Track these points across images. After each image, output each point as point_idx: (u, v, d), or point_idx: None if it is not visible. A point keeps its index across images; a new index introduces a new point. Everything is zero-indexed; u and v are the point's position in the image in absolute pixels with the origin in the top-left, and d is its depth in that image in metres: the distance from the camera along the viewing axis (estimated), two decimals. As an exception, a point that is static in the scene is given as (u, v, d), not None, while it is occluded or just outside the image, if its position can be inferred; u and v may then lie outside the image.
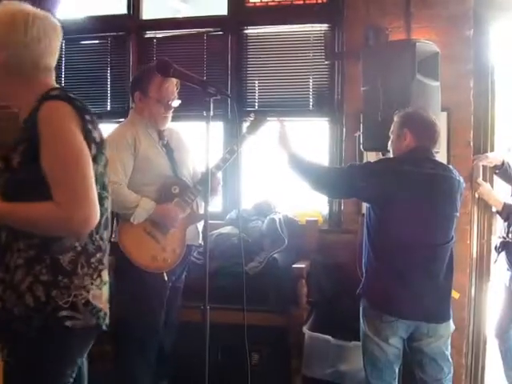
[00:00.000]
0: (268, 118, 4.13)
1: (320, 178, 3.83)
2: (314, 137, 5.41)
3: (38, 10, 2.35)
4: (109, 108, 5.85)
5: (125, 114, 5.25)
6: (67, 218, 2.12)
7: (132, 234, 3.86)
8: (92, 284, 2.30)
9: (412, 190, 3.50)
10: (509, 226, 4.72)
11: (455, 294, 4.24)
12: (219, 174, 4.07)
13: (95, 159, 2.30)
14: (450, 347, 3.74)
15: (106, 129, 4.80)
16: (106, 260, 2.41)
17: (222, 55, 5.54)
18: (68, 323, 2.22)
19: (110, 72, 5.83)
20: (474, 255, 4.91)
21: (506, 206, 4.69)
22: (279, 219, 4.93)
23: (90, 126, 2.32)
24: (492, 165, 4.82)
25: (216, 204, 5.02)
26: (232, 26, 5.53)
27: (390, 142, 3.76)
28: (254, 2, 5.51)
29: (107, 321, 2.42)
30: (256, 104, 5.53)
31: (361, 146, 4.56)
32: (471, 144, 4.82)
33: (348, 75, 5.05)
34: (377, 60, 4.30)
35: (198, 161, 4.18)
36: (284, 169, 3.97)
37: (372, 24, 4.91)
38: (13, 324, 2.22)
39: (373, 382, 3.61)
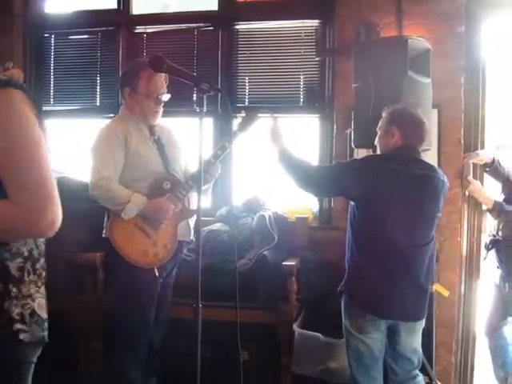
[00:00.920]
0: (260, 115, 4.11)
1: (307, 176, 3.80)
2: (304, 133, 5.39)
3: None
4: (98, 103, 5.82)
5: (114, 110, 5.25)
6: (34, 222, 1.93)
7: (123, 229, 3.85)
8: (37, 292, 2.11)
9: (397, 189, 3.50)
10: (499, 224, 4.73)
11: (445, 292, 4.25)
12: (218, 164, 4.03)
13: None
14: (420, 340, 3.75)
15: (96, 124, 4.82)
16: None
17: (213, 51, 5.52)
18: (22, 336, 2.03)
19: (100, 67, 5.79)
20: (464, 253, 4.91)
21: (496, 203, 4.70)
22: (269, 216, 4.92)
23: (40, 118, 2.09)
24: (482, 162, 4.82)
25: (206, 200, 4.99)
26: (222, 22, 5.50)
27: (377, 138, 3.75)
28: (245, -2, 5.49)
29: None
30: (246, 100, 5.52)
31: (352, 143, 4.54)
32: (462, 141, 4.81)
33: (339, 71, 5.03)
34: (368, 56, 4.29)
35: (189, 157, 4.16)
36: (274, 164, 3.95)
37: (363, 20, 4.89)
38: None
39: (359, 379, 3.60)
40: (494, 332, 4.82)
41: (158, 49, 5.50)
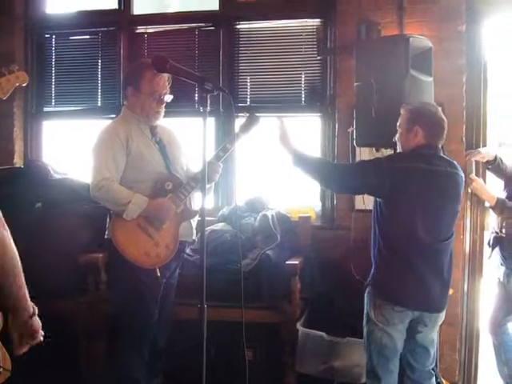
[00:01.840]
0: (262, 116, 4.12)
1: (329, 175, 3.87)
2: (306, 133, 5.38)
3: None
4: (100, 104, 5.80)
5: (116, 110, 5.25)
6: None
7: (125, 229, 3.85)
8: None
9: (422, 188, 3.57)
10: (502, 221, 4.72)
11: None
12: (220, 163, 4.04)
13: None
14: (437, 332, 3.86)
15: (98, 125, 4.82)
16: None
17: (214, 50, 5.51)
18: None
19: (101, 67, 5.79)
20: (467, 250, 4.92)
21: (499, 200, 4.69)
22: (272, 216, 4.92)
23: None
24: (484, 160, 4.81)
25: (208, 200, 4.99)
26: (224, 21, 5.50)
27: (397, 136, 3.77)
28: (246, -3, 5.49)
29: None
30: (248, 100, 5.51)
31: (354, 142, 4.55)
32: (464, 139, 4.81)
33: (340, 70, 5.03)
34: (370, 55, 4.29)
35: (191, 157, 4.16)
36: (284, 166, 3.99)
37: (364, 19, 4.89)
38: None
39: (379, 372, 3.65)
40: (498, 329, 4.81)
41: (159, 49, 5.51)
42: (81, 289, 4.66)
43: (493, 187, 4.91)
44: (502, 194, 4.76)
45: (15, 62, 5.31)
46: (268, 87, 5.48)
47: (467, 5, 4.79)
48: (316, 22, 5.31)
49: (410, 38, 4.12)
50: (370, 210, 4.35)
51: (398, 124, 3.77)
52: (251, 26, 5.49)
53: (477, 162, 4.88)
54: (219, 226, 5.01)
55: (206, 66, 5.55)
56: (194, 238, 4.10)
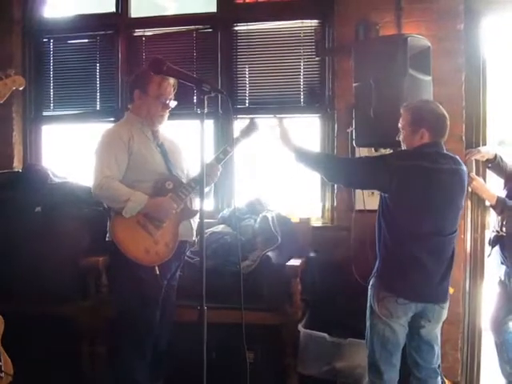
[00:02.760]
0: (262, 118, 4.14)
1: (335, 170, 3.92)
2: (305, 134, 5.37)
3: None
4: (98, 107, 5.80)
5: (115, 113, 5.27)
6: None
7: (125, 227, 3.87)
8: None
9: (428, 185, 3.60)
10: (502, 220, 4.72)
11: (450, 289, 4.24)
12: (219, 166, 4.06)
13: None
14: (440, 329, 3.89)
15: (97, 128, 4.82)
16: None
17: (212, 53, 5.51)
18: None
19: (99, 71, 5.79)
20: (468, 249, 4.91)
21: (499, 199, 4.68)
22: (272, 217, 4.91)
23: None
24: (484, 159, 4.81)
25: (209, 202, 4.99)
26: (221, 23, 5.50)
27: (402, 137, 3.79)
28: (243, -1, 5.49)
29: None
30: (247, 101, 5.51)
31: (353, 142, 4.54)
32: (463, 138, 4.81)
33: (339, 71, 5.03)
34: (368, 55, 4.30)
35: (191, 159, 4.17)
36: (284, 167, 3.99)
37: (362, 19, 4.89)
38: None
39: (381, 366, 3.69)
40: (500, 327, 4.80)
41: (158, 52, 5.48)
42: (82, 292, 4.66)
43: (493, 186, 4.91)
44: (502, 193, 4.76)
45: (13, 66, 5.31)
46: (267, 89, 5.47)
47: (465, 4, 4.79)
48: (314, 22, 5.31)
49: (408, 38, 4.13)
50: (370, 211, 4.40)
51: (400, 125, 3.79)
52: (249, 27, 5.48)
53: (477, 161, 4.88)
54: (219, 227, 5.01)
55: (205, 68, 5.55)
56: (194, 238, 4.12)
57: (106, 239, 3.97)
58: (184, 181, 4.04)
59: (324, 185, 5.24)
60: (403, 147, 3.82)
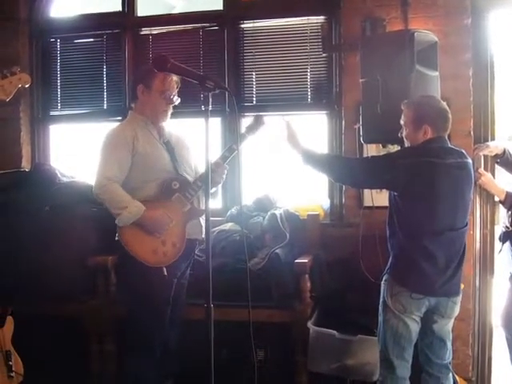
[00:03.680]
0: (271, 115, 4.14)
1: (342, 172, 3.94)
2: (313, 130, 5.36)
3: None
4: (105, 106, 5.82)
5: (122, 112, 5.26)
6: None
7: (132, 228, 3.87)
8: None
9: (438, 181, 3.61)
10: (512, 215, 4.70)
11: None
12: (226, 165, 4.07)
13: None
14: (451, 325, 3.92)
15: (104, 128, 4.83)
16: None
17: (219, 50, 5.51)
18: None
19: (106, 70, 5.79)
20: (478, 245, 4.90)
21: (508, 195, 4.67)
22: (280, 214, 4.91)
23: None
24: (493, 154, 4.78)
25: (216, 200, 4.99)
26: (228, 21, 5.49)
27: (404, 133, 3.80)
28: (250, -4, 5.48)
29: None
30: (254, 99, 5.50)
31: (361, 139, 4.53)
32: (471, 133, 4.79)
33: (346, 67, 5.01)
34: (375, 51, 4.27)
35: (199, 157, 4.16)
36: (291, 164, 4.00)
37: (369, 15, 4.87)
38: None
39: (394, 361, 3.69)
40: (511, 323, 4.78)
41: (164, 50, 5.49)
42: (90, 291, 4.68)
43: (502, 181, 4.89)
44: (512, 188, 4.74)
45: (20, 66, 5.28)
46: (274, 86, 5.46)
47: (471, -2, 4.78)
48: (320, 19, 5.29)
49: (415, 33, 4.11)
50: (379, 207, 4.40)
51: (402, 122, 3.79)
52: (255, 24, 5.47)
53: (485, 156, 4.85)
54: (228, 225, 5.01)
55: (211, 66, 5.54)
56: (203, 236, 4.09)
57: (116, 238, 3.97)
58: (191, 179, 4.04)
59: (332, 182, 5.21)
60: (406, 144, 3.82)
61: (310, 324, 4.38)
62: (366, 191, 4.80)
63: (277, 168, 5.51)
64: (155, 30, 5.67)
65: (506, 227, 4.72)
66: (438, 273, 3.64)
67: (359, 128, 4.57)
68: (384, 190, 4.30)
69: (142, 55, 5.63)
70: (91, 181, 4.00)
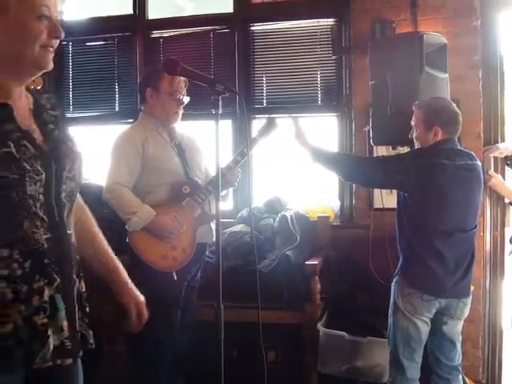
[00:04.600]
0: (279, 117, 4.15)
1: (353, 170, 3.96)
2: (323, 132, 5.38)
3: None
4: (117, 109, 5.85)
5: (134, 115, 5.28)
6: None
7: (142, 232, 3.88)
8: None
9: (447, 183, 3.64)
10: (523, 217, 4.70)
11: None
12: (239, 169, 4.08)
13: None
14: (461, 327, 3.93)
15: (116, 130, 4.85)
16: None
17: (229, 53, 5.53)
18: None
19: (117, 73, 5.83)
20: (488, 247, 4.89)
21: (518, 196, 4.66)
22: (291, 216, 4.91)
23: None
24: (503, 156, 4.79)
25: (227, 202, 5.00)
26: (238, 23, 5.51)
27: (415, 134, 3.82)
28: (260, -2, 5.50)
29: None
30: (264, 101, 5.52)
31: (371, 141, 4.54)
32: (481, 135, 4.79)
33: (356, 69, 5.03)
34: (384, 53, 4.29)
35: (210, 161, 4.17)
36: (302, 165, 4.01)
37: (378, 17, 4.90)
38: None
39: (404, 362, 3.71)
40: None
41: (175, 53, 5.50)
42: (102, 291, 4.68)
43: (512, 183, 4.89)
44: (522, 190, 4.74)
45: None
46: (284, 88, 5.47)
47: (481, 0, 4.77)
48: (330, 21, 5.31)
49: (424, 35, 4.12)
50: (389, 209, 4.39)
51: (413, 123, 3.81)
52: (265, 27, 5.50)
53: (495, 158, 4.85)
54: (238, 227, 5.02)
55: (222, 69, 5.57)
56: (213, 239, 4.09)
57: (127, 240, 3.97)
58: (201, 183, 4.04)
59: (342, 183, 5.23)
60: (416, 145, 3.84)
61: (319, 325, 4.39)
62: (376, 192, 4.80)
63: (287, 170, 5.52)
64: (166, 33, 5.69)
65: (517, 229, 4.73)
66: (448, 274, 3.65)
67: (369, 130, 4.58)
68: (394, 192, 4.31)
69: (152, 58, 5.64)
70: (103, 183, 4.02)
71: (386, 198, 4.65)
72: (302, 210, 5.12)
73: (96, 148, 5.82)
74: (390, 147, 4.62)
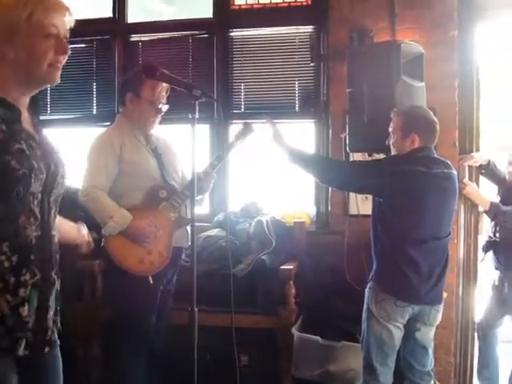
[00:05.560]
0: (256, 122, 4.16)
1: (329, 172, 3.98)
2: (300, 138, 5.39)
3: None
4: (95, 112, 5.83)
5: (111, 118, 5.24)
6: None
7: (118, 237, 3.86)
8: None
9: (424, 190, 3.68)
10: (496, 226, 4.75)
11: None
12: (214, 174, 4.08)
13: None
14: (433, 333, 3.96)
15: (93, 133, 4.84)
16: None
17: (208, 58, 5.53)
18: None
19: (96, 75, 5.81)
20: (461, 254, 4.92)
21: (492, 205, 4.69)
22: (266, 221, 4.93)
23: None
24: (478, 164, 4.83)
25: (203, 206, 5.00)
26: (217, 29, 5.52)
27: (392, 141, 3.85)
28: (240, 5, 5.50)
29: None
30: (242, 106, 5.53)
31: (347, 147, 4.57)
32: (457, 144, 4.83)
33: (333, 77, 5.05)
34: (362, 61, 4.32)
35: (187, 164, 4.17)
36: (278, 171, 4.00)
37: (357, 25, 4.92)
38: None
39: (377, 367, 3.72)
40: (489, 331, 4.83)
41: (154, 57, 5.51)
42: (77, 295, 4.67)
43: (486, 191, 4.93)
44: (496, 199, 4.78)
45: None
46: (262, 94, 5.49)
47: (459, 10, 4.82)
48: (309, 28, 5.34)
49: (402, 44, 4.16)
50: (364, 215, 4.43)
51: (390, 129, 3.84)
52: (245, 33, 5.52)
53: (470, 167, 4.89)
54: (214, 231, 5.02)
55: (200, 74, 5.57)
56: (189, 243, 4.09)
57: (102, 244, 3.94)
58: (178, 187, 4.04)
59: (318, 189, 5.26)
60: (393, 152, 3.87)
61: (294, 330, 4.40)
62: (352, 199, 4.82)
63: (264, 175, 5.53)
64: (145, 37, 5.69)
65: (490, 237, 4.78)
66: (422, 281, 3.67)
67: (345, 137, 4.61)
68: (369, 198, 4.33)
69: (131, 61, 5.63)
70: (80, 185, 4.00)
71: (362, 205, 4.68)
72: (278, 215, 5.13)
73: (73, 150, 5.79)
74: (366, 154, 4.64)
